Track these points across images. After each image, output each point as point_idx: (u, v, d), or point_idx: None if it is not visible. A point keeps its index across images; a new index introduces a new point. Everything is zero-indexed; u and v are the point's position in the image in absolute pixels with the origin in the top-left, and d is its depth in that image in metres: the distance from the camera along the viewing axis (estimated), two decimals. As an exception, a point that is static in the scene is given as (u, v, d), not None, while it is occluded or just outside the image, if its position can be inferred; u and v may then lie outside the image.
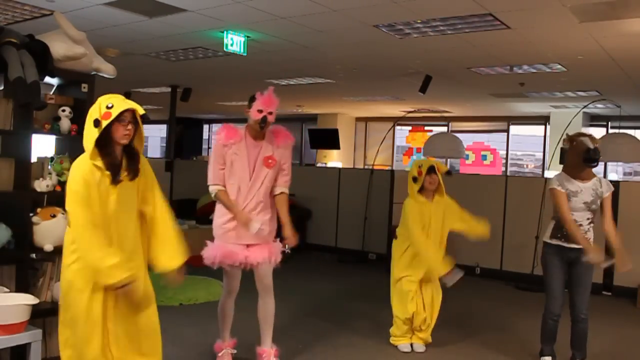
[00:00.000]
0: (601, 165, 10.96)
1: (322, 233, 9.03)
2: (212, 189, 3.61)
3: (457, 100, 11.05)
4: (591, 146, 3.79)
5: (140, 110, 2.65)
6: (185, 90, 10.63)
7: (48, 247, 3.22)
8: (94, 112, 2.61)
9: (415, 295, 4.27)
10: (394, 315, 4.43)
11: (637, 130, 10.45)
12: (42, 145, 3.53)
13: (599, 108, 10.71)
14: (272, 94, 3.54)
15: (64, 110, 3.41)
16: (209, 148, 17.98)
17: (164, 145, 16.20)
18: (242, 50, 6.43)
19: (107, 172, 2.63)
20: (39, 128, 3.32)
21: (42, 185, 3.27)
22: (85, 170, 2.60)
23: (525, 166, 13.83)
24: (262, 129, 3.56)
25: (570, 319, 3.93)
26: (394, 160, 14.94)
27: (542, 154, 13.12)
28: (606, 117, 11.97)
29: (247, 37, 6.34)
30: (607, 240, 3.83)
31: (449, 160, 12.28)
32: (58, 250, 3.29)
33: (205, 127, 18.44)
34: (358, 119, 15.58)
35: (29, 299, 2.93)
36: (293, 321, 4.89)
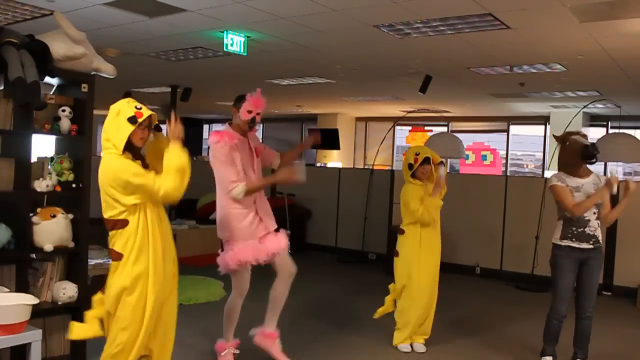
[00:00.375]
0: (601, 165, 10.94)
1: (322, 233, 9.03)
2: (239, 188, 3.57)
3: (457, 100, 11.05)
4: (587, 142, 3.79)
5: (156, 119, 2.88)
6: (185, 90, 10.63)
7: (48, 247, 3.22)
8: (126, 111, 2.76)
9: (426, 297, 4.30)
10: (396, 321, 4.41)
11: (637, 130, 10.44)
12: (42, 145, 3.52)
13: (599, 108, 10.71)
14: (261, 95, 3.69)
15: (64, 110, 3.41)
16: (209, 148, 17.92)
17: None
18: (242, 50, 6.43)
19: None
20: (39, 128, 3.32)
21: (42, 185, 3.26)
22: (127, 159, 2.77)
23: (525, 166, 13.83)
24: (251, 129, 3.75)
25: (575, 317, 3.94)
26: (394, 160, 14.92)
27: (542, 154, 13.13)
28: (606, 117, 11.98)
29: (247, 37, 6.34)
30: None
31: (449, 160, 12.27)
32: (58, 250, 3.30)
33: (205, 127, 18.43)
34: (358, 119, 15.57)
35: (29, 299, 2.93)
36: (293, 321, 4.88)
